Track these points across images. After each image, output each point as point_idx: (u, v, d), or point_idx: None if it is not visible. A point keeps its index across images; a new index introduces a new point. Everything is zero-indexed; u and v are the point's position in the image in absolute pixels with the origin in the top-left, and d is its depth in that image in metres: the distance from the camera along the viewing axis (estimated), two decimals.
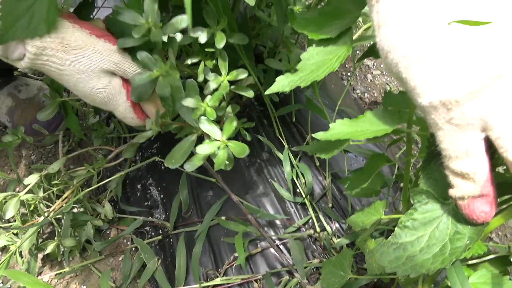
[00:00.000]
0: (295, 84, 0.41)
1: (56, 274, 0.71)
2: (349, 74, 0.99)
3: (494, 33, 0.27)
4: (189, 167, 0.50)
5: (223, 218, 0.68)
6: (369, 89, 0.99)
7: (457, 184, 0.31)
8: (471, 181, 0.30)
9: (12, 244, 0.66)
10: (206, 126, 0.50)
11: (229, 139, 0.49)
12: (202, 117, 0.51)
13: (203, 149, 0.48)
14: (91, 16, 0.54)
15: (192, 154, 0.51)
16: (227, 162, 0.49)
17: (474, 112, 0.28)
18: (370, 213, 0.54)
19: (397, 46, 0.29)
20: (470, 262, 0.40)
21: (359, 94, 0.96)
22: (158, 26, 0.46)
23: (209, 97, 0.52)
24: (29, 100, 0.84)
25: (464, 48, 0.27)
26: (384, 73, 1.03)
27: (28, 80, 0.88)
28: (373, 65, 1.05)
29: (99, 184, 0.73)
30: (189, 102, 0.50)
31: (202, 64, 0.54)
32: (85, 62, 0.46)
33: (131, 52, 0.49)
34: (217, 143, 0.49)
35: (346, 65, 1.03)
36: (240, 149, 0.48)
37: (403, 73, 0.30)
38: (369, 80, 1.01)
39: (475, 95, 0.27)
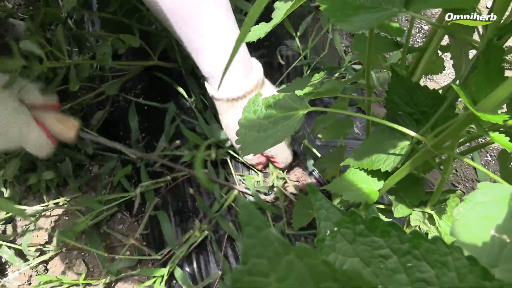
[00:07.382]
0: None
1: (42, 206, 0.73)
2: (334, 27, 0.99)
3: None
4: None
5: None
6: None
7: None
8: None
9: None
10: None
11: None
12: None
13: None
14: None
15: None
16: None
17: None
18: (333, 158, 0.56)
19: None
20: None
21: (344, 48, 0.97)
22: None
23: None
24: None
25: None
26: None
27: (13, 21, 0.87)
28: None
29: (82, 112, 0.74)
30: None
31: None
32: None
33: None
34: None
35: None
36: None
37: None
38: (353, 35, 1.02)
39: None
